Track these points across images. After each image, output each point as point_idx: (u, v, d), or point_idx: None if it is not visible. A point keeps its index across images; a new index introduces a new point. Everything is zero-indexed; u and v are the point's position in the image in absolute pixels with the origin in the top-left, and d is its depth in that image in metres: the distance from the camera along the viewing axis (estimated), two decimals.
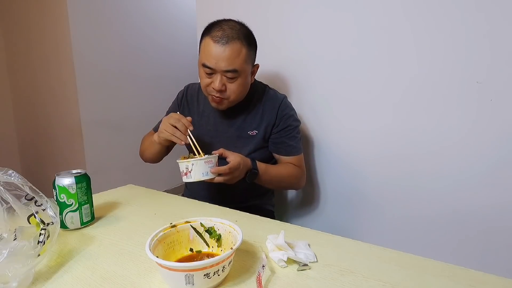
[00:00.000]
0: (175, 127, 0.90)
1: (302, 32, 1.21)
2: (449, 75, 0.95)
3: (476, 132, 0.93)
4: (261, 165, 0.97)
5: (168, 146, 1.07)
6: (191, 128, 0.91)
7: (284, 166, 1.06)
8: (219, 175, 0.86)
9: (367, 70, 1.09)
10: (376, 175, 1.13)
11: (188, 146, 0.94)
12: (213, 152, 0.90)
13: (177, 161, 0.86)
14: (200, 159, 0.83)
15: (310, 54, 1.21)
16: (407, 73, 1.02)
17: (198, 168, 0.83)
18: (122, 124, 2.39)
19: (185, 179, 0.85)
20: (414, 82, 1.01)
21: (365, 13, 1.07)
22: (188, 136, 0.90)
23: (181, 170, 0.85)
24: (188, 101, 1.14)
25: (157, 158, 1.12)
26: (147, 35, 2.50)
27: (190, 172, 0.84)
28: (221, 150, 0.90)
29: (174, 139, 0.90)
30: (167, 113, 1.19)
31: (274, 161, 1.12)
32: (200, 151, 0.90)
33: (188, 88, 1.17)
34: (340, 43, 1.13)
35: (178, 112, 1.01)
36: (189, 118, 0.93)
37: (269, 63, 1.31)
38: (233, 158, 0.88)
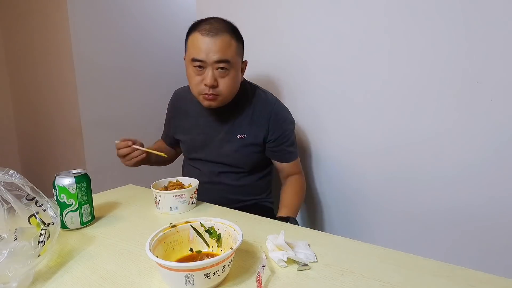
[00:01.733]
0: (126, 154, 0.97)
1: (301, 33, 1.21)
2: (449, 75, 0.95)
3: (475, 132, 0.93)
4: (286, 211, 1.00)
5: (156, 159, 1.15)
6: (130, 143, 0.96)
7: (291, 189, 1.08)
8: None
9: (365, 71, 1.09)
10: (375, 174, 1.13)
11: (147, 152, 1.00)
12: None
13: (151, 186, 0.85)
14: (169, 193, 0.80)
15: (309, 54, 1.21)
16: (406, 73, 1.02)
17: (165, 202, 0.81)
18: (122, 124, 2.39)
19: (156, 208, 0.83)
20: (414, 82, 1.01)
21: (364, 13, 1.07)
22: (139, 148, 0.97)
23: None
24: (178, 106, 1.16)
25: (162, 164, 1.24)
26: (148, 35, 2.50)
27: (158, 202, 0.82)
28: None
29: (136, 161, 0.98)
30: (164, 126, 1.26)
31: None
32: (149, 149, 0.98)
33: (176, 94, 1.19)
34: (340, 43, 1.13)
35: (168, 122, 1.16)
36: (121, 139, 0.99)
37: (268, 63, 1.31)
38: None
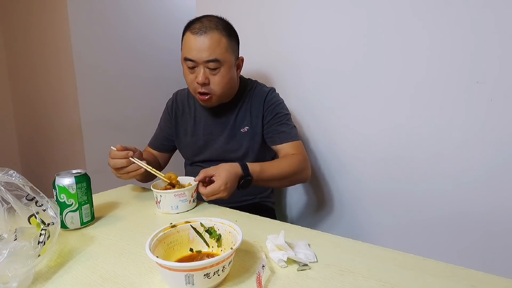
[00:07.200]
0: (118, 168, 0.85)
1: (303, 32, 1.21)
2: (449, 75, 0.95)
3: (476, 132, 0.93)
4: (254, 167, 0.88)
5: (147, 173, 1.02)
6: (130, 154, 0.85)
7: (283, 158, 0.99)
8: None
9: (368, 72, 1.09)
10: (376, 176, 1.13)
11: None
12: (199, 177, 0.83)
13: (151, 187, 0.85)
14: (169, 192, 0.80)
15: (310, 54, 1.21)
16: (407, 74, 1.02)
17: (166, 201, 0.81)
18: (122, 124, 2.39)
19: (157, 208, 0.84)
20: (414, 83, 1.01)
21: (363, 13, 1.07)
22: (137, 162, 0.85)
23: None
24: (179, 108, 1.13)
25: (147, 180, 1.06)
26: (148, 35, 2.50)
27: (159, 202, 0.82)
28: (201, 175, 0.83)
29: (132, 176, 0.87)
30: (159, 125, 1.18)
31: (273, 157, 1.11)
32: (152, 170, 0.86)
33: (177, 95, 1.16)
34: (340, 43, 1.13)
35: (168, 122, 1.06)
36: (118, 147, 0.86)
37: (268, 62, 1.31)
38: (217, 179, 0.80)
